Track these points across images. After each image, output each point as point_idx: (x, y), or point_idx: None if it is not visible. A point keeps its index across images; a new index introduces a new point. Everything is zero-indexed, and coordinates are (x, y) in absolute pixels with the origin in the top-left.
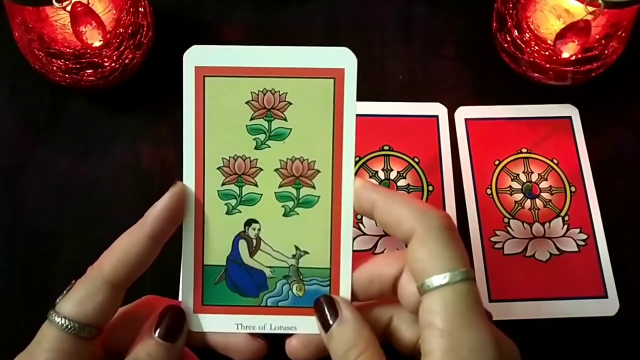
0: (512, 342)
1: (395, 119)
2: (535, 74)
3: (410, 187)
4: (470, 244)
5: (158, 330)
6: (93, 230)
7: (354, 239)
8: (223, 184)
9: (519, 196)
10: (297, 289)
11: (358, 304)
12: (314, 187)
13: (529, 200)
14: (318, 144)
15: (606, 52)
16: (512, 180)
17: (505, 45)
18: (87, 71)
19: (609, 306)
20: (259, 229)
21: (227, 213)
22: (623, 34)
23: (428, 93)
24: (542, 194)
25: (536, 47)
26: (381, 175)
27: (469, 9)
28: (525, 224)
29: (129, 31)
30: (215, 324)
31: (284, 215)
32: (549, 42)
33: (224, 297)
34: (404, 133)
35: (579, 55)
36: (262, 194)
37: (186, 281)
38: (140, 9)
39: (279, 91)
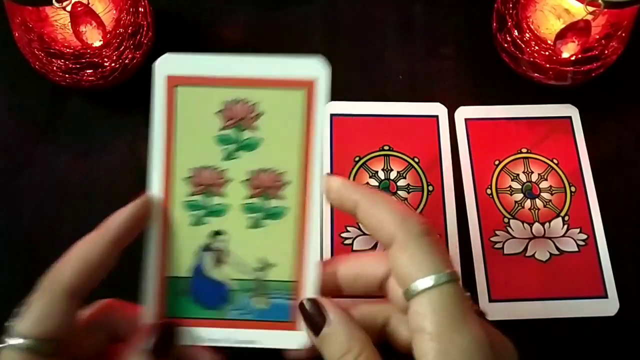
0: (508, 342)
1: (395, 119)
2: (535, 74)
3: (410, 187)
4: (470, 244)
5: (151, 347)
6: (93, 230)
7: (354, 239)
8: (190, 195)
9: (519, 196)
10: (260, 302)
11: (349, 300)
12: (282, 199)
13: (529, 200)
14: (288, 155)
15: (606, 52)
16: (512, 180)
17: (505, 45)
18: (87, 71)
19: (609, 306)
20: (225, 241)
21: (193, 224)
22: (623, 34)
23: (428, 93)
24: (542, 194)
25: (536, 47)
26: (381, 175)
27: (469, 9)
28: (525, 224)
29: (129, 31)
30: (177, 337)
31: (251, 227)
32: (549, 42)
33: (186, 310)
34: (404, 133)
35: (579, 55)
36: (229, 205)
37: (148, 293)
38: (140, 9)
39: (250, 101)
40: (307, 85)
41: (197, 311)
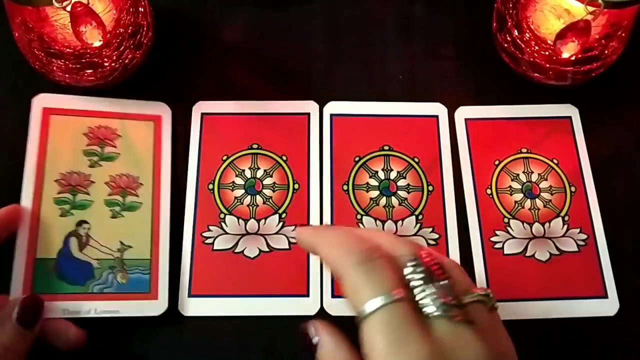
0: (470, 348)
1: (396, 119)
2: (535, 74)
3: (410, 187)
4: (470, 244)
5: (18, 318)
6: None
7: None
8: (59, 193)
9: (519, 196)
10: (121, 277)
11: None
12: (137, 196)
13: (529, 200)
14: (142, 165)
15: (606, 52)
16: (512, 180)
17: (505, 45)
18: (87, 71)
19: (609, 306)
20: (89, 228)
21: (61, 215)
22: (623, 34)
23: (428, 93)
24: (542, 194)
25: (536, 47)
26: (381, 175)
27: (469, 9)
28: (525, 224)
29: (129, 31)
30: (43, 309)
31: (111, 217)
32: (549, 42)
33: (53, 286)
34: (404, 133)
35: (579, 55)
36: (93, 201)
37: (18, 273)
38: (140, 9)
39: (111, 127)
40: (155, 119)
41: (64, 287)
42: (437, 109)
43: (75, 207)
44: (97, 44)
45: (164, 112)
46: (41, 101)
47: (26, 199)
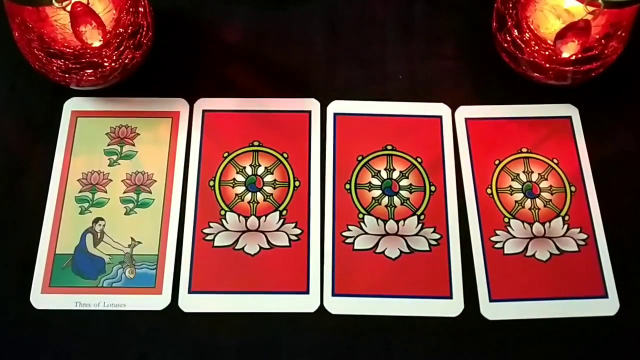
0: None
1: (399, 119)
2: (535, 74)
3: (413, 187)
4: (470, 243)
5: None
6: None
7: (355, 238)
8: (80, 191)
9: (519, 196)
10: (129, 272)
11: None
12: (150, 192)
13: (529, 200)
14: (157, 161)
15: (606, 52)
16: (512, 180)
17: (505, 45)
18: (87, 71)
19: (609, 306)
20: (104, 225)
21: (80, 213)
22: (623, 34)
23: (428, 93)
24: (542, 193)
25: (536, 47)
26: (384, 174)
27: (469, 9)
28: (525, 224)
29: (129, 31)
30: (58, 302)
31: (125, 214)
32: (549, 42)
33: (68, 280)
34: (408, 133)
35: (579, 55)
36: (109, 199)
37: (39, 268)
38: (140, 9)
39: (131, 126)
40: (173, 116)
41: (77, 281)
42: (440, 109)
43: (93, 205)
44: (97, 44)
45: (182, 108)
46: (70, 105)
47: (52, 198)
